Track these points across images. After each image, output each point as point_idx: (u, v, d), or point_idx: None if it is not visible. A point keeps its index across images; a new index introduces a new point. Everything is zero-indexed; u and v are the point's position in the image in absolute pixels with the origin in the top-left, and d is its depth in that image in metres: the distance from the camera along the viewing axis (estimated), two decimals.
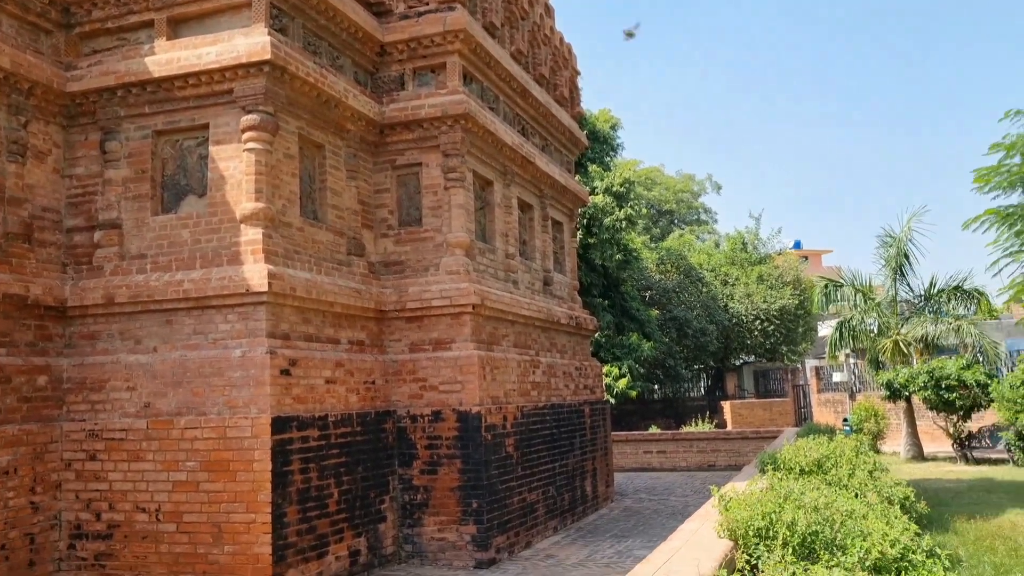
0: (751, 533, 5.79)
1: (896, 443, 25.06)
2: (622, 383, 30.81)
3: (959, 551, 9.11)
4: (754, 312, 39.00)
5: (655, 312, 35.39)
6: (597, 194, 31.46)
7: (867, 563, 5.44)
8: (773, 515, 5.76)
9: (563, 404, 12.78)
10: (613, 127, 35.62)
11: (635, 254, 35.80)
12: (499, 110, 12.06)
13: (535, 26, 13.54)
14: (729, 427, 30.33)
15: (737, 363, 43.01)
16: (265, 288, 8.28)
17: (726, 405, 31.47)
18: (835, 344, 25.04)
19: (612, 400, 30.83)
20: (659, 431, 22.23)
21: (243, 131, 8.72)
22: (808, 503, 5.89)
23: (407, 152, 10.84)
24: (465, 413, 9.91)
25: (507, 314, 11.23)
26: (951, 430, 21.99)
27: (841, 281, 25.92)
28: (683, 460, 19.89)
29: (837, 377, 34.68)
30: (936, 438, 23.93)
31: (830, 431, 16.28)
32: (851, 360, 35.19)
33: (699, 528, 6.35)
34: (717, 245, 46.54)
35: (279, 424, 8.13)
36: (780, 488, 6.40)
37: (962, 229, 19.60)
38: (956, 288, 24.37)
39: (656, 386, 40.03)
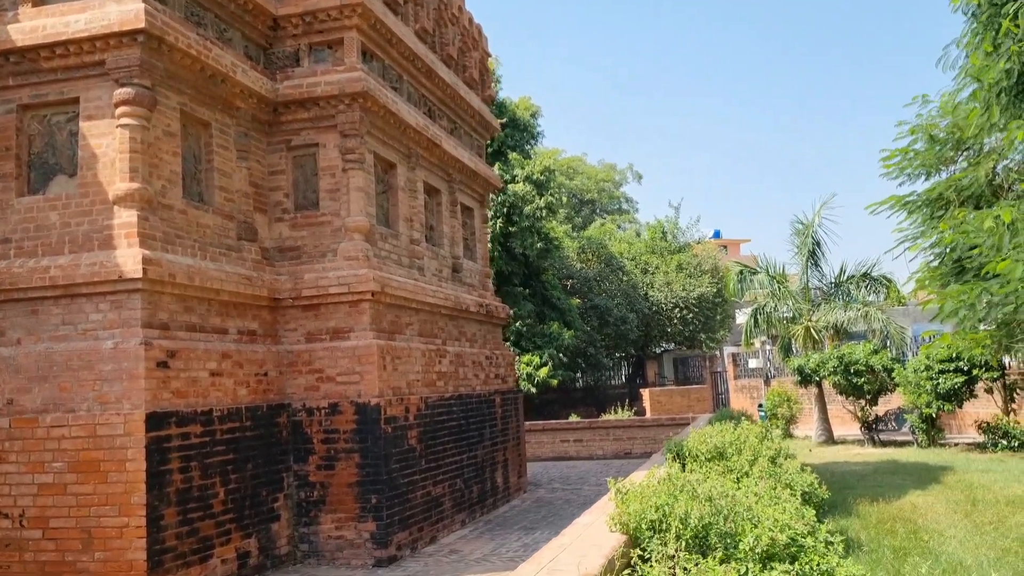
0: (644, 527, 5.53)
1: (809, 427, 25.48)
2: (543, 372, 30.69)
3: (860, 535, 9.08)
4: (673, 300, 39.29)
5: (576, 301, 35.35)
6: (517, 182, 31.22)
7: (757, 551, 5.23)
8: (666, 507, 5.51)
9: (472, 394, 12.43)
10: (533, 115, 35.34)
11: (556, 243, 35.68)
12: (403, 90, 11.61)
13: (442, 4, 13.11)
14: (648, 414, 30.45)
15: (657, 351, 43.34)
16: (139, 275, 7.70)
17: (645, 393, 31.60)
18: (750, 331, 25.28)
19: (533, 389, 30.71)
20: (577, 420, 22.09)
21: (116, 106, 8.11)
22: (702, 494, 5.65)
23: (303, 132, 10.31)
24: (364, 405, 9.48)
25: (411, 302, 10.81)
26: (859, 414, 22.39)
27: (756, 268, 26.17)
28: (600, 448, 19.77)
29: (753, 364, 35.19)
30: (847, 422, 24.38)
31: (740, 417, 16.32)
32: (767, 347, 35.75)
33: (593, 522, 6.07)
34: (638, 234, 46.78)
35: (155, 420, 7.58)
36: (677, 479, 6.16)
37: (865, 210, 19.84)
38: (865, 275, 24.83)
39: (578, 375, 40.09)
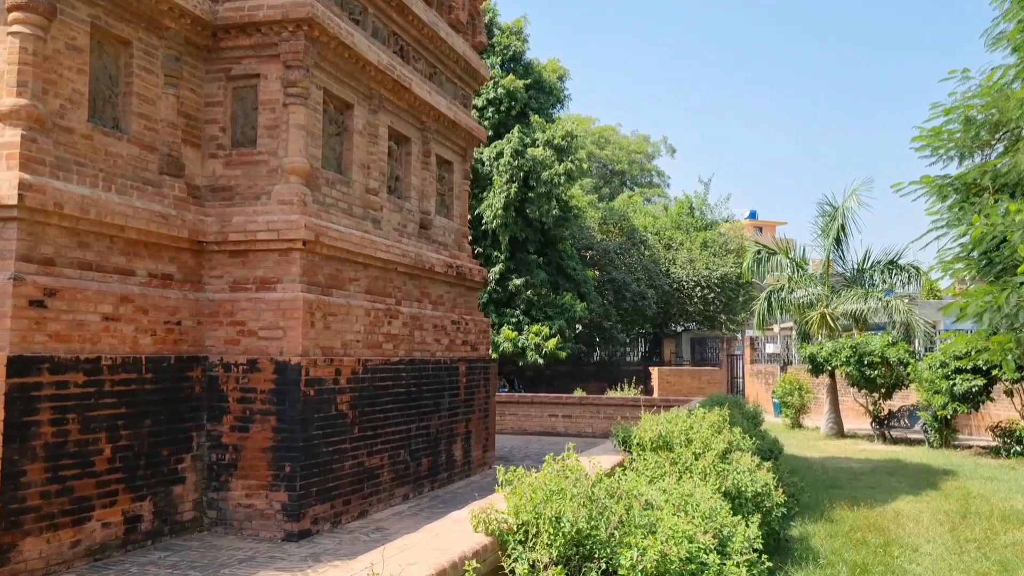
0: (514, 529, 4.58)
1: (819, 419, 24.28)
2: (552, 343, 29.81)
3: (822, 544, 8.06)
4: (695, 279, 38.05)
5: (592, 273, 34.28)
6: (537, 146, 30.13)
7: (642, 569, 4.27)
8: (541, 506, 4.55)
9: (430, 360, 11.51)
10: (561, 78, 34.13)
11: (575, 212, 34.58)
12: (366, 24, 10.60)
13: None
14: (656, 394, 29.41)
15: (678, 329, 42.15)
16: (14, 201, 6.85)
17: (654, 371, 30.50)
18: (763, 314, 24.06)
19: (541, 360, 29.86)
20: (567, 395, 21.11)
21: (8, 11, 7.22)
22: (580, 492, 4.67)
23: (244, 61, 9.37)
24: (284, 364, 8.60)
25: (357, 255, 9.89)
26: (871, 408, 21.18)
27: (774, 248, 24.88)
28: (589, 426, 18.83)
29: (771, 349, 33.92)
30: (859, 415, 23.17)
31: (734, 403, 15.27)
32: (787, 332, 34.42)
33: (466, 518, 5.13)
34: (666, 209, 45.41)
35: (20, 365, 6.76)
36: (573, 471, 5.19)
37: (892, 189, 18.49)
38: (891, 263, 23.46)
39: (595, 349, 39.13)
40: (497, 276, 30.15)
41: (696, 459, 7.54)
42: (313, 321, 8.82)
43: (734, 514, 7.02)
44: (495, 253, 30.50)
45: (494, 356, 30.67)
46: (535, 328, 30.02)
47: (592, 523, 4.53)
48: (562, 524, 4.40)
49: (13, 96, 7.15)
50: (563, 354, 30.21)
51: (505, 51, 31.94)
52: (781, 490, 7.43)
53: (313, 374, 8.70)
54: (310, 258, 9.06)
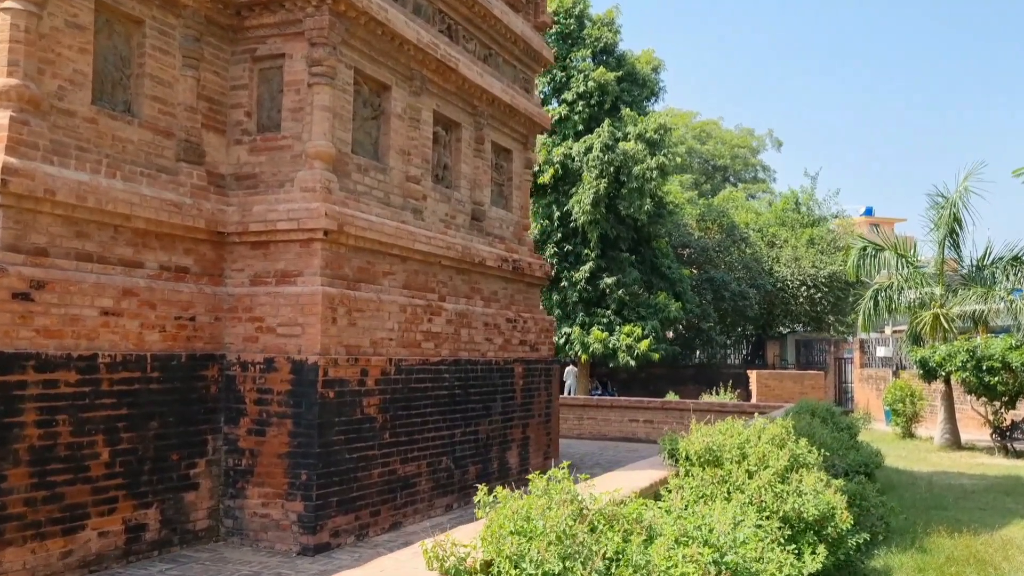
0: (476, 569, 3.73)
1: (934, 428, 22.34)
2: (644, 345, 28.67)
3: None
4: (800, 278, 36.09)
5: (688, 271, 32.85)
6: (628, 140, 29.02)
7: None
8: (503, 542, 3.68)
9: (479, 361, 10.72)
10: (655, 69, 32.85)
11: (670, 208, 33.25)
12: (406, 1, 9.89)
13: None
14: (754, 399, 27.83)
15: (783, 331, 40.12)
16: None
17: (753, 375, 28.85)
18: (868, 315, 22.31)
19: (632, 362, 28.74)
20: (646, 399, 19.98)
21: None
22: (549, 527, 3.75)
23: (269, 40, 8.80)
24: (301, 363, 7.96)
25: (391, 247, 9.19)
26: (991, 418, 19.26)
27: (881, 244, 23.03)
28: (678, 428, 17.64)
29: (882, 352, 31.76)
30: (979, 426, 21.15)
31: (826, 411, 13.93)
32: (900, 335, 32.17)
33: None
34: (771, 205, 43.38)
35: (1, 362, 6.29)
36: (558, 492, 4.27)
37: (1014, 176, 16.70)
38: (1016, 259, 21.32)
39: (694, 351, 37.65)
40: (587, 275, 29.21)
41: (750, 477, 6.49)
42: (335, 317, 8.15)
43: (793, 543, 5.97)
44: (584, 251, 29.55)
45: (583, 358, 29.79)
46: (627, 329, 28.92)
47: (567, 564, 3.63)
48: (523, 567, 3.52)
49: (3, 76, 6.72)
50: (656, 356, 29.00)
51: (596, 43, 30.94)
52: (846, 514, 6.29)
53: (333, 374, 8.02)
54: (334, 249, 8.40)
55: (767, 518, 6.02)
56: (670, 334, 36.76)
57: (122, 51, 7.86)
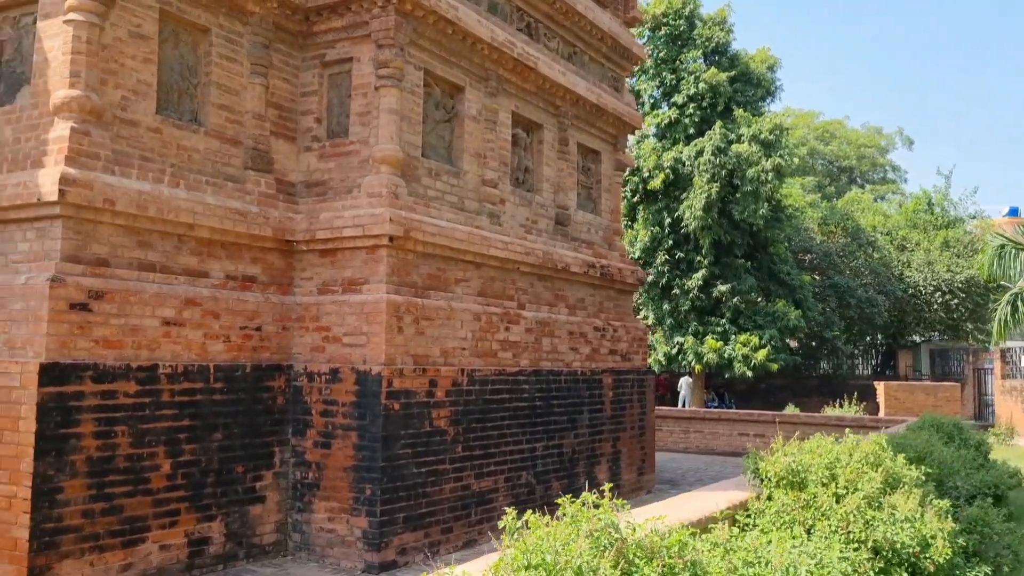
0: None
1: None
2: (761, 354, 27.48)
3: None
4: (934, 283, 33.90)
5: (809, 277, 31.33)
6: (742, 142, 27.96)
7: None
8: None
9: (563, 371, 10.27)
10: (771, 67, 31.55)
11: (789, 211, 31.84)
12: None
13: None
14: (881, 412, 26.20)
15: (916, 340, 37.84)
16: (54, 197, 6.41)
17: (880, 386, 27.13)
18: (1005, 322, 20.54)
19: (749, 373, 27.63)
20: (757, 411, 18.98)
21: None
22: (569, 561, 3.29)
23: (338, 44, 8.65)
24: (365, 373, 7.72)
25: (464, 253, 8.87)
26: None
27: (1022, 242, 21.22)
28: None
29: None
30: None
31: (954, 427, 12.82)
32: None
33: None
34: (900, 206, 41.06)
35: (56, 373, 6.28)
36: (586, 520, 3.78)
37: None
38: None
39: (819, 361, 35.97)
40: (700, 282, 28.27)
41: (838, 502, 5.81)
42: (401, 326, 7.88)
43: None
44: (697, 258, 28.62)
45: (697, 368, 28.81)
46: (743, 338, 27.78)
47: None
48: None
49: (67, 88, 6.76)
50: (774, 366, 27.75)
51: (707, 43, 29.98)
52: (942, 544, 5.52)
53: (398, 385, 7.74)
54: (401, 256, 8.14)
55: (856, 549, 5.35)
56: (796, 343, 35.27)
57: (188, 60, 7.84)
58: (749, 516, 6.01)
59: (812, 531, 5.61)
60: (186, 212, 7.32)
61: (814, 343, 34.54)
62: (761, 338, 27.75)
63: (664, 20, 30.18)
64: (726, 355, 27.86)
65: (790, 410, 24.92)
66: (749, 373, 27.77)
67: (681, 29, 30.19)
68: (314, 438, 7.95)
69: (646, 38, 30.73)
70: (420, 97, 8.71)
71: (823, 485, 5.98)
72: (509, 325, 9.40)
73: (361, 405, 7.69)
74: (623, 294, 12.09)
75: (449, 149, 9.31)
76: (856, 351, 38.14)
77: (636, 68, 12.87)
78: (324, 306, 8.13)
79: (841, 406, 25.14)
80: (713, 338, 28.11)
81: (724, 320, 28.42)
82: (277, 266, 8.31)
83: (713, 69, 29.30)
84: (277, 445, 7.97)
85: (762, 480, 6.57)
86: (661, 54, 30.23)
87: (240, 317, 7.75)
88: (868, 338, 36.55)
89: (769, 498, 6.13)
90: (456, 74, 9.21)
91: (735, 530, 4.91)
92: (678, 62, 29.91)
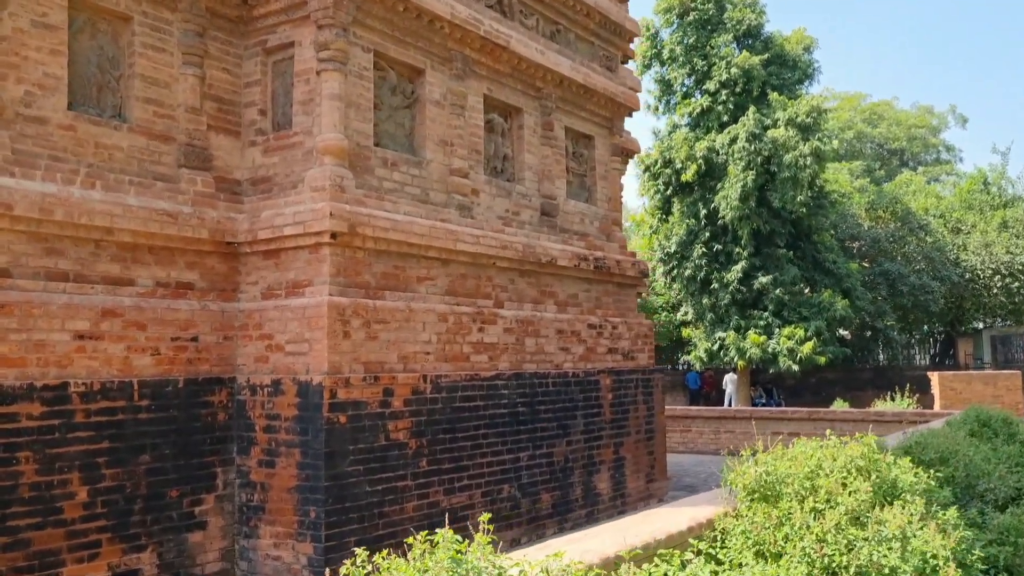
0: None
1: None
2: (807, 347, 26.27)
3: None
4: (993, 266, 32.15)
5: (856, 266, 29.89)
6: (778, 127, 26.77)
7: None
8: None
9: (551, 374, 9.46)
10: (807, 49, 30.21)
11: (833, 197, 30.42)
12: None
13: None
14: (936, 404, 24.73)
15: (977, 327, 36.03)
16: None
17: (934, 377, 25.61)
18: None
19: (795, 367, 26.41)
20: (791, 408, 17.86)
21: None
22: None
23: (279, 28, 7.98)
24: (306, 384, 7.01)
25: (427, 249, 8.12)
26: None
27: None
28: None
29: None
30: None
31: (1002, 421, 11.69)
32: None
33: None
34: (955, 187, 39.15)
35: None
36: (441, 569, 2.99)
37: None
38: None
39: (874, 352, 34.44)
40: (740, 275, 27.14)
41: (816, 518, 4.91)
42: (347, 331, 7.16)
43: None
44: (736, 249, 27.48)
45: (740, 364, 27.63)
46: (787, 331, 26.57)
47: None
48: None
49: None
50: (822, 359, 26.48)
51: (738, 27, 28.81)
52: (951, 569, 4.58)
53: (344, 396, 7.02)
54: (348, 254, 7.43)
55: None
56: (847, 334, 33.78)
57: (109, 52, 7.24)
58: (718, 536, 5.15)
59: (784, 555, 4.73)
60: (102, 215, 6.70)
61: (867, 334, 33.06)
62: (807, 331, 26.51)
63: (692, 5, 29.11)
64: (770, 350, 26.70)
65: (837, 405, 23.65)
66: (795, 368, 26.55)
67: (710, 13, 29.08)
68: (258, 456, 7.27)
69: (675, 25, 29.71)
70: (370, 82, 7.99)
71: (799, 499, 5.08)
72: (484, 325, 8.62)
73: (303, 419, 6.99)
74: (624, 288, 11.21)
75: (410, 137, 8.58)
76: (912, 341, 36.48)
77: (628, 43, 11.96)
78: (267, 312, 7.45)
79: (892, 399, 23.78)
80: (756, 332, 26.96)
81: (767, 313, 27.25)
82: (218, 271, 7.66)
83: (745, 53, 28.17)
84: (220, 465, 7.31)
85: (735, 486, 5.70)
86: (691, 40, 29.17)
87: (171, 327, 7.11)
88: (925, 327, 34.87)
89: (738, 516, 5.26)
90: (414, 56, 8.48)
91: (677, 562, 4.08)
92: (709, 48, 28.82)
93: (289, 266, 7.50)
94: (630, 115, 11.77)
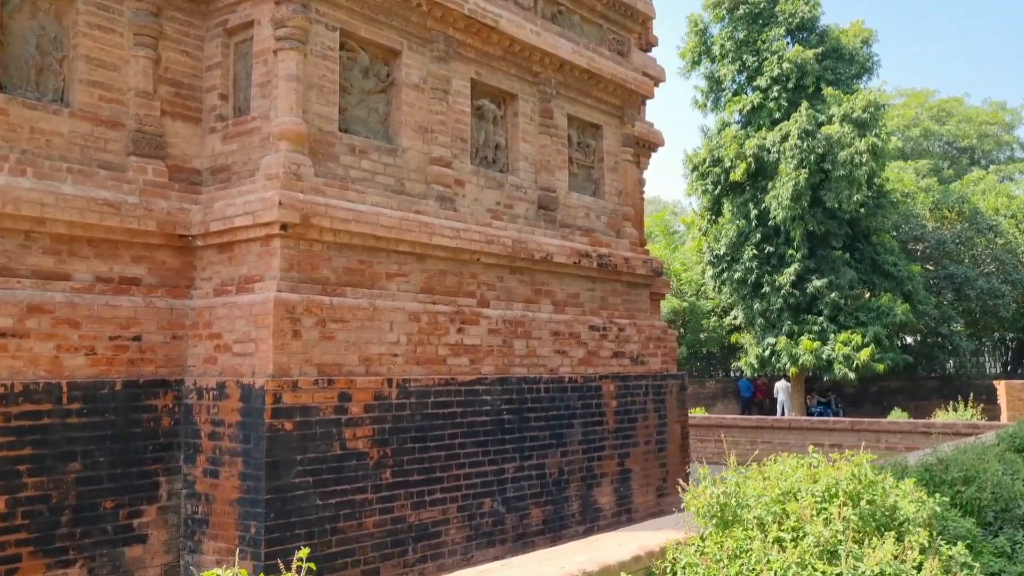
0: None
1: None
2: (864, 354, 24.96)
3: None
4: None
5: (919, 268, 28.36)
6: (833, 123, 25.55)
7: None
8: None
9: (543, 378, 8.74)
10: (865, 41, 28.88)
11: (893, 197, 28.94)
12: None
13: None
14: (1003, 416, 23.21)
15: None
16: None
17: (1000, 386, 24.05)
18: None
19: (852, 375, 25.13)
20: (833, 419, 16.74)
21: None
22: None
23: (240, 7, 7.47)
24: (249, 388, 6.44)
25: (396, 243, 7.50)
26: None
27: None
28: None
29: None
30: None
31: None
32: None
33: None
34: None
35: None
36: None
37: None
38: None
39: (941, 360, 32.72)
40: (792, 278, 25.97)
41: (783, 550, 4.13)
42: (297, 330, 6.57)
43: None
44: (788, 252, 26.32)
45: (793, 371, 26.39)
46: (843, 336, 25.31)
47: None
48: None
49: None
50: (880, 367, 25.12)
51: (790, 20, 27.65)
52: None
53: (291, 401, 6.43)
54: (304, 247, 6.85)
55: None
56: (910, 339, 32.17)
57: (52, 32, 6.80)
58: (666, 571, 4.40)
59: None
60: (30, 204, 6.24)
61: (932, 340, 31.40)
62: (864, 336, 25.21)
63: None
64: (824, 356, 25.45)
65: (894, 416, 22.35)
66: (851, 375, 25.27)
67: (761, 7, 28.01)
68: (203, 465, 6.73)
69: (724, 20, 28.68)
70: (335, 62, 7.41)
71: (760, 527, 4.30)
72: (464, 326, 7.96)
73: (245, 426, 6.42)
74: (633, 287, 10.43)
75: (385, 123, 7.97)
76: (983, 348, 34.61)
77: (641, 26, 11.18)
78: (216, 310, 6.92)
79: (954, 410, 22.35)
80: (809, 338, 25.75)
81: (821, 318, 26.02)
82: (170, 265, 7.16)
83: (798, 47, 27.04)
84: (164, 474, 6.79)
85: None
86: (741, 35, 28.13)
87: (110, 325, 6.62)
88: (995, 333, 33.04)
89: (698, 543, 4.49)
90: (388, 35, 7.88)
91: None
92: (760, 42, 27.72)
93: (242, 260, 6.96)
94: (643, 102, 10.99)
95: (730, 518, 4.43)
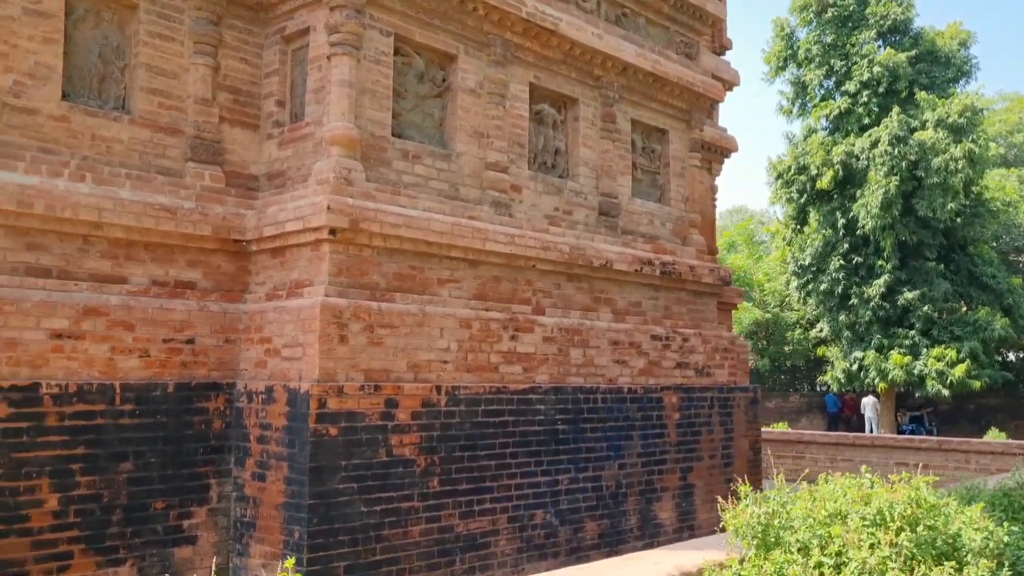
0: None
1: None
2: (959, 370, 23.85)
3: None
4: None
5: (1020, 280, 26.95)
6: (926, 129, 24.52)
7: None
8: None
9: (600, 388, 8.53)
10: (963, 44, 27.68)
11: (993, 206, 27.60)
12: None
13: None
14: None
15: None
16: None
17: None
18: None
19: (946, 391, 24.02)
20: (920, 438, 15.95)
21: None
22: None
23: (297, 14, 7.53)
24: (295, 392, 6.44)
25: (449, 248, 7.43)
26: None
27: None
28: (952, 479, 13.77)
29: None
30: None
31: None
32: None
33: None
34: None
35: None
36: None
37: None
38: None
39: None
40: (882, 290, 25.00)
41: (837, 572, 3.86)
42: (344, 335, 6.55)
43: None
44: (878, 262, 25.36)
45: (882, 386, 25.36)
46: (936, 351, 24.21)
47: None
48: None
49: None
50: (977, 384, 23.94)
51: (882, 22, 26.70)
52: None
53: (336, 406, 6.40)
54: (353, 252, 6.83)
55: None
56: (1011, 356, 30.60)
57: (114, 41, 6.97)
58: None
59: None
60: (88, 209, 6.39)
61: None
62: (959, 351, 24.05)
63: (831, 1, 27.23)
64: (916, 371, 24.39)
65: (991, 435, 21.25)
66: (945, 392, 24.14)
67: (851, 9, 27.14)
68: (252, 469, 6.77)
69: (812, 24, 27.90)
70: (389, 67, 7.39)
71: (802, 551, 4.03)
72: (517, 333, 7.83)
73: (291, 430, 6.42)
74: (699, 296, 10.12)
75: (440, 128, 7.92)
76: None
77: (711, 29, 10.89)
78: (267, 314, 6.96)
79: None
80: (900, 352, 24.71)
81: (913, 332, 24.96)
82: (225, 270, 7.24)
83: (890, 50, 26.08)
84: (215, 477, 6.85)
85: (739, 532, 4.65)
86: (829, 39, 27.28)
87: (164, 328, 6.72)
88: None
89: (738, 565, 4.24)
90: (444, 40, 7.83)
91: None
92: (849, 46, 26.86)
93: (293, 265, 6.99)
94: (713, 106, 10.68)
95: (772, 540, 4.17)
